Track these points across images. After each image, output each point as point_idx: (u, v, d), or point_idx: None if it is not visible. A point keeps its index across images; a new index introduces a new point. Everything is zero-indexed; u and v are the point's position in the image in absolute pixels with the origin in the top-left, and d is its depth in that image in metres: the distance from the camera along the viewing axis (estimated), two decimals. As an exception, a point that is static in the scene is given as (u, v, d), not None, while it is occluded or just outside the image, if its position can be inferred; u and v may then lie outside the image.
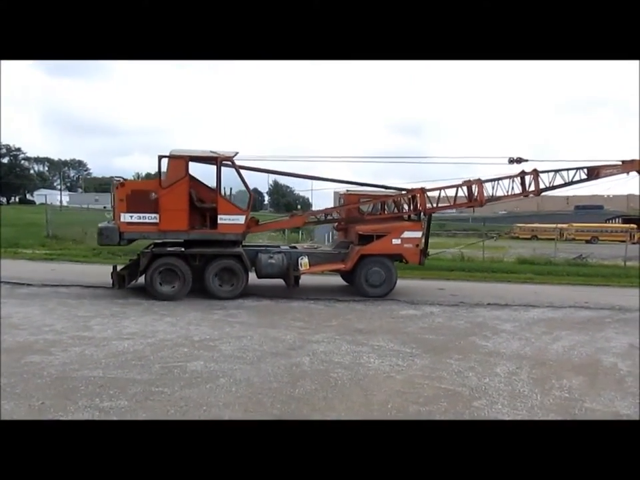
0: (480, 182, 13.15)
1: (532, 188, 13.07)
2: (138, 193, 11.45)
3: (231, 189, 12.69)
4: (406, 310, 10.94)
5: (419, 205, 13.18)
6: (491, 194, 13.26)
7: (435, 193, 13.59)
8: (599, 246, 38.04)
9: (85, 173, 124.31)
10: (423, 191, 13.21)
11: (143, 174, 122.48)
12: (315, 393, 5.70)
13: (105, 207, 53.29)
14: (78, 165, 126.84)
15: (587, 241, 44.26)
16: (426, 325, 9.51)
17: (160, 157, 11.52)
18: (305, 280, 12.71)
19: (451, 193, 13.61)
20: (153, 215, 11.37)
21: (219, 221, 11.73)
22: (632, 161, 13.04)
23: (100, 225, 11.91)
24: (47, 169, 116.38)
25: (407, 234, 12.81)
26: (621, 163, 13.16)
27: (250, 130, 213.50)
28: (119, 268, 12.01)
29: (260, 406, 5.30)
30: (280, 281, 12.48)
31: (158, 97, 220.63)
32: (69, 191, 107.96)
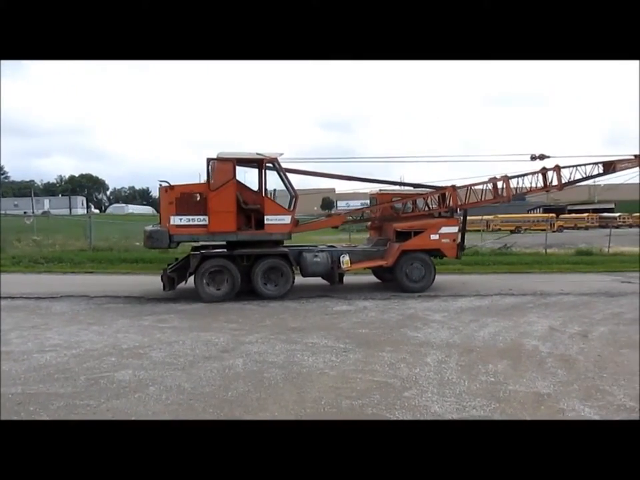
0: (507, 178, 13.74)
1: (555, 183, 13.74)
2: (187, 196, 11.64)
3: (274, 190, 12.86)
4: (340, 306, 11.04)
5: (450, 202, 13.61)
6: (515, 189, 13.93)
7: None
8: (523, 235, 39.87)
9: (2, 176, 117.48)
10: (454, 188, 13.72)
11: (66, 176, 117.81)
12: (248, 395, 5.63)
13: (25, 213, 50.56)
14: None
15: (512, 231, 46.25)
16: (359, 320, 9.63)
17: (208, 160, 11.74)
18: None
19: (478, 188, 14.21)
20: (202, 217, 11.61)
21: (265, 222, 12.03)
22: None
23: (148, 229, 12.00)
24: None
25: (444, 229, 13.36)
26: (634, 157, 13.89)
27: (174, 129, 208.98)
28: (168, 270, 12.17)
29: (191, 412, 5.17)
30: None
31: (77, 97, 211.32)
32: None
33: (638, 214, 62.69)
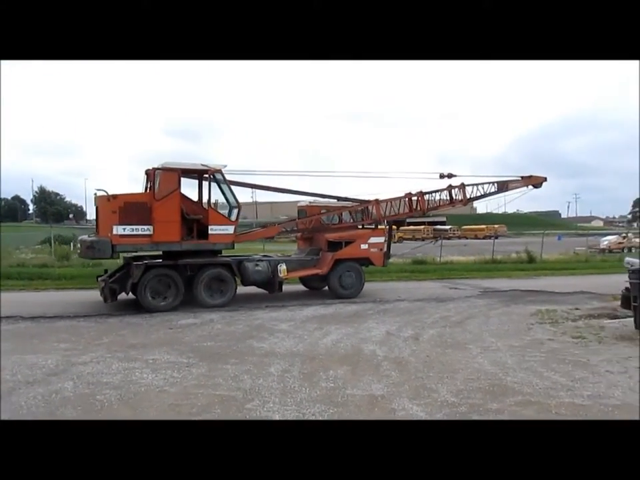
0: (421, 194, 15.15)
1: (460, 198, 15.26)
2: (131, 206, 11.46)
3: (217, 200, 12.94)
4: (185, 319, 10.72)
5: (374, 214, 14.77)
6: (427, 203, 15.32)
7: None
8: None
9: None
10: (377, 202, 14.86)
11: None
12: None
13: None
14: None
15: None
16: (205, 333, 9.41)
17: (154, 170, 11.86)
18: (74, 296, 11.62)
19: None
20: (146, 227, 11.50)
21: (210, 232, 12.22)
22: (529, 177, 15.82)
23: (87, 238, 11.86)
24: None
25: (372, 239, 14.49)
26: (521, 178, 15.73)
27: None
28: (100, 279, 12.20)
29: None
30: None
31: None
32: None
33: (466, 227, 70.04)
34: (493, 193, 15.78)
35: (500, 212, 69.39)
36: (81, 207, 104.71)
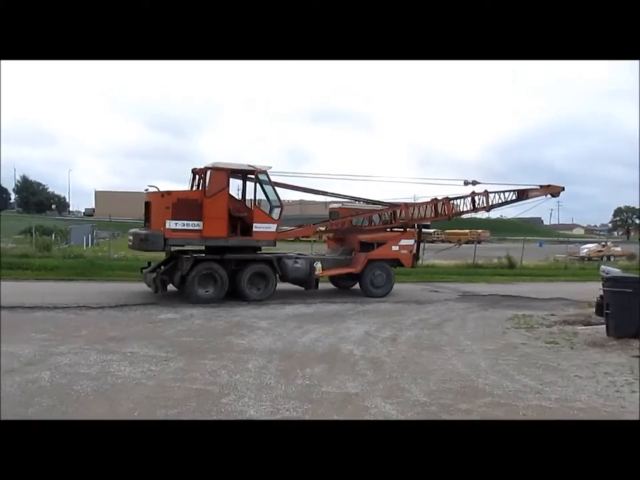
0: (447, 200, 15.75)
1: (484, 205, 15.97)
2: (183, 202, 12.18)
3: (260, 200, 13.53)
4: (165, 314, 10.75)
5: (402, 217, 15.33)
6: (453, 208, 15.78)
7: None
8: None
9: None
10: (406, 206, 15.48)
11: None
12: (52, 410, 5.20)
13: None
14: None
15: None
16: (185, 328, 9.46)
17: (205, 168, 12.61)
18: (54, 287, 11.57)
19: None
20: (196, 223, 12.19)
21: (254, 229, 12.91)
22: (548, 186, 16.28)
23: (140, 231, 12.57)
24: None
25: (403, 241, 15.17)
26: (539, 187, 16.18)
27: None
28: (146, 271, 13.27)
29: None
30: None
31: None
32: None
33: (449, 231, 70.57)
34: (513, 200, 16.17)
35: (484, 217, 69.92)
36: (64, 198, 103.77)
